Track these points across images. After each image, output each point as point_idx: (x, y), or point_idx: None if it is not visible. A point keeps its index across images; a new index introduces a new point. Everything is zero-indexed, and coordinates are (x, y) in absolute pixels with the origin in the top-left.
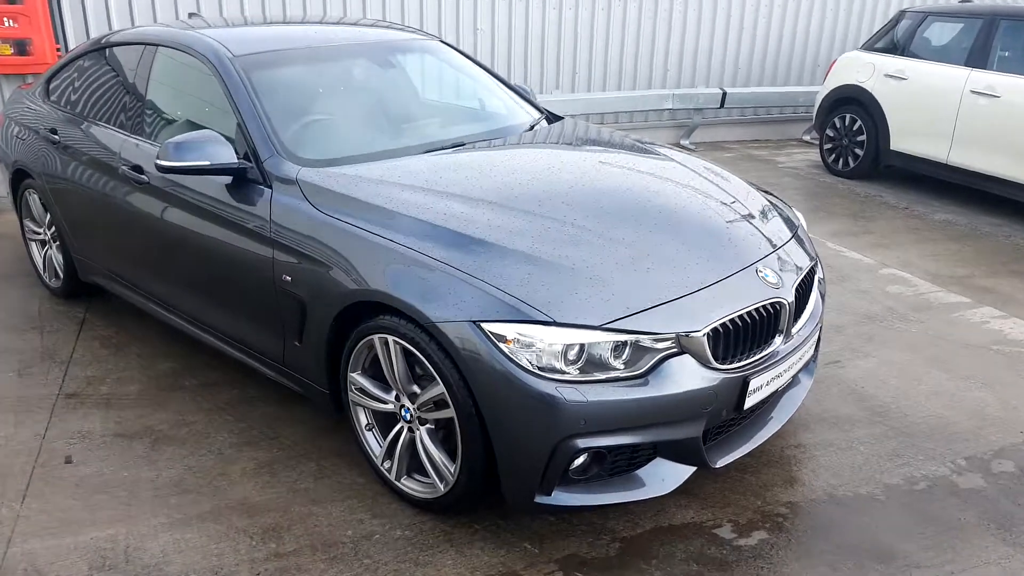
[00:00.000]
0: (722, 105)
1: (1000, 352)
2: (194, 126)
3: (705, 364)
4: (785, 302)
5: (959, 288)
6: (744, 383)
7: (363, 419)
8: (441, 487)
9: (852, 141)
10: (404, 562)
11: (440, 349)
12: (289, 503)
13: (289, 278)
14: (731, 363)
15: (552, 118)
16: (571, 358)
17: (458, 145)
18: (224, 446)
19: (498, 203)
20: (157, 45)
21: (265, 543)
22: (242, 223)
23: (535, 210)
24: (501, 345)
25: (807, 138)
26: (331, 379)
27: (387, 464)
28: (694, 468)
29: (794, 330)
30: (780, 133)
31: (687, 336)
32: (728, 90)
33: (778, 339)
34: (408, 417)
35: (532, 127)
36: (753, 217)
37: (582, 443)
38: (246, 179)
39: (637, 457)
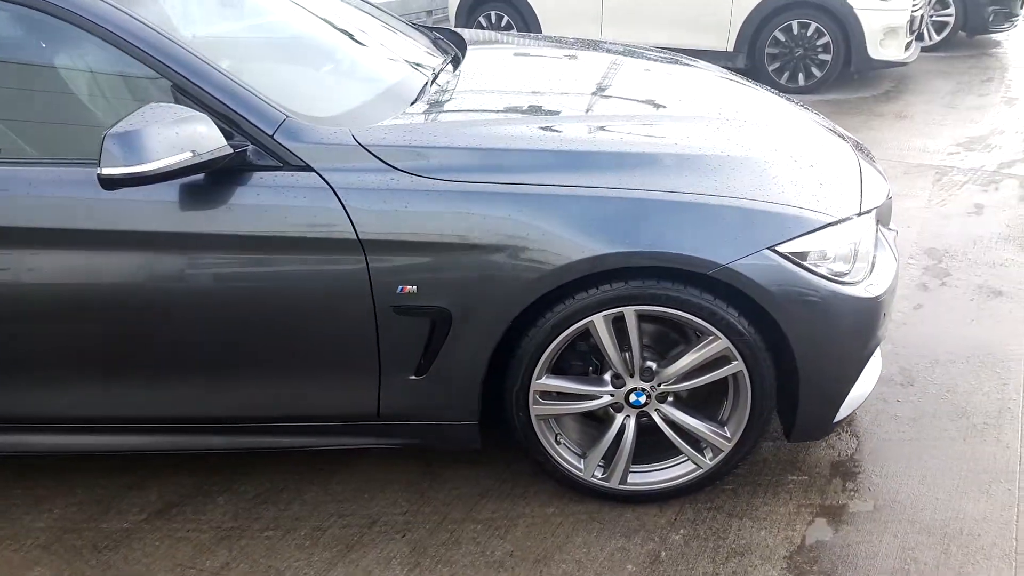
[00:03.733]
0: None
1: None
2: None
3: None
4: None
5: None
6: None
7: (550, 434)
8: (707, 461)
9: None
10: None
11: (719, 298)
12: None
13: (413, 288)
14: None
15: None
16: (850, 256)
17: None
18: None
19: (615, 115)
20: None
21: None
22: (267, 234)
23: (661, 114)
24: (805, 263)
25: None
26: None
27: (600, 473)
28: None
29: None
30: None
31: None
32: None
33: None
34: (642, 400)
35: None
36: None
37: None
38: (234, 171)
39: None
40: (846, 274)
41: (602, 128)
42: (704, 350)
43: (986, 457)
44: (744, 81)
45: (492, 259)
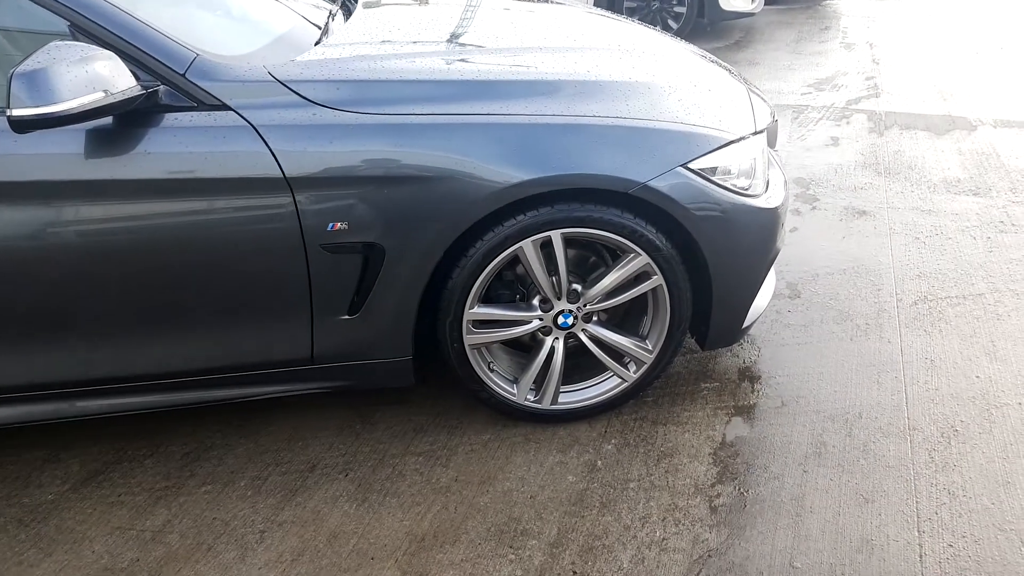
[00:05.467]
0: None
1: None
2: None
3: None
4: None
5: None
6: None
7: (483, 363)
8: (631, 374)
9: None
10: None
11: (639, 216)
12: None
13: (344, 224)
14: None
15: None
16: (750, 172)
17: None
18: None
19: (522, 47)
20: None
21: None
22: (187, 177)
23: (565, 45)
24: (714, 179)
25: None
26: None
27: (532, 396)
28: None
29: None
30: None
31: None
32: None
33: None
34: (570, 322)
35: None
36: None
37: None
38: (145, 112)
39: None
40: (748, 188)
41: (513, 60)
42: (626, 267)
43: (872, 352)
44: (623, 19)
45: (420, 191)
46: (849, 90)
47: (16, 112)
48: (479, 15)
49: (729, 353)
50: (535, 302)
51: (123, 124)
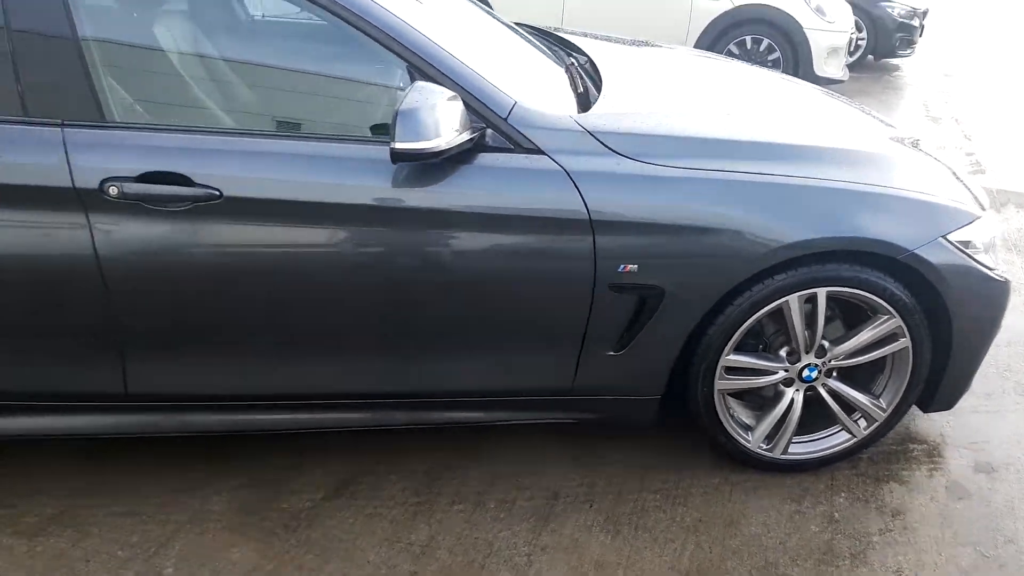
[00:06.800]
0: None
1: None
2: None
3: None
4: None
5: None
6: None
7: (725, 407)
8: (861, 430)
9: None
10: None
11: (898, 280)
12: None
13: (634, 267)
14: None
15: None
16: (990, 246)
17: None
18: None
19: (771, 112)
20: None
21: None
22: (499, 212)
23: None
24: (967, 251)
25: None
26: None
27: (765, 444)
28: None
29: None
30: None
31: None
32: None
33: None
34: (813, 375)
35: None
36: None
37: None
38: (469, 152)
39: None
40: (989, 262)
41: (775, 124)
42: (879, 328)
43: None
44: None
45: (705, 241)
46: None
47: (399, 145)
48: (717, 78)
49: (924, 418)
50: (781, 353)
51: (448, 159)
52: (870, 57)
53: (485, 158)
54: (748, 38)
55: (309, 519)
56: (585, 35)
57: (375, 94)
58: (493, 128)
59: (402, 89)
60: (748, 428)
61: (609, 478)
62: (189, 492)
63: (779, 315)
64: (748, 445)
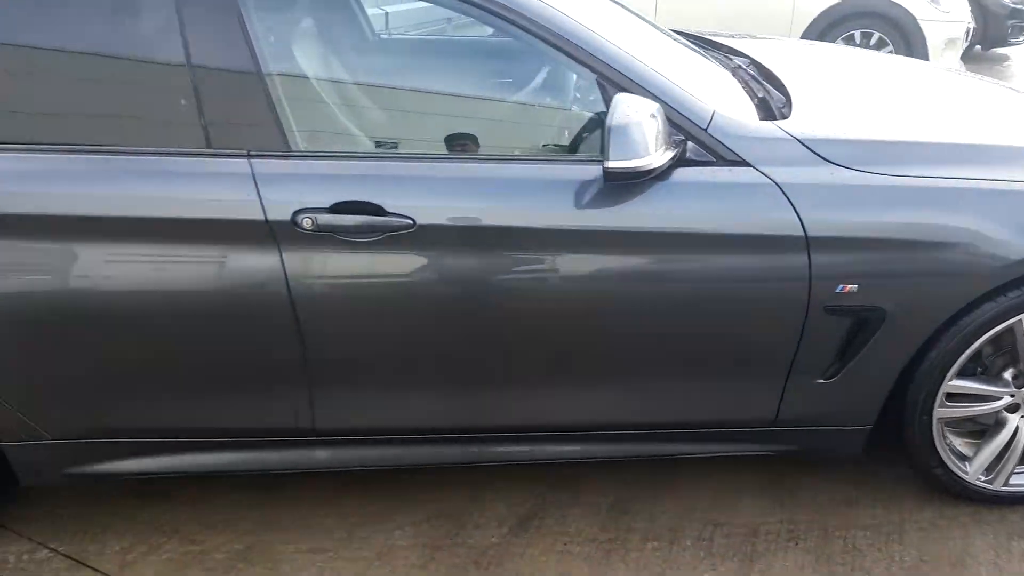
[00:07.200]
0: None
1: None
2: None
3: None
4: None
5: None
6: None
7: (942, 436)
8: None
9: None
10: None
11: None
12: None
13: (854, 287)
14: None
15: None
16: None
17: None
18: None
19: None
20: None
21: None
22: (711, 233)
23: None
24: None
25: None
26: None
27: (984, 476)
28: None
29: None
30: None
31: None
32: None
33: None
34: None
35: None
36: None
37: None
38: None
39: None
40: None
41: (983, 123)
42: None
43: None
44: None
45: (937, 256)
46: None
47: (613, 164)
48: (887, 74)
49: None
50: (1006, 376)
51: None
52: (978, 47)
53: (685, 172)
54: (857, 32)
55: (499, 556)
56: (716, 33)
57: (559, 109)
58: (693, 140)
59: (582, 103)
60: (965, 458)
61: (809, 513)
62: (372, 526)
63: (1003, 336)
64: (966, 476)
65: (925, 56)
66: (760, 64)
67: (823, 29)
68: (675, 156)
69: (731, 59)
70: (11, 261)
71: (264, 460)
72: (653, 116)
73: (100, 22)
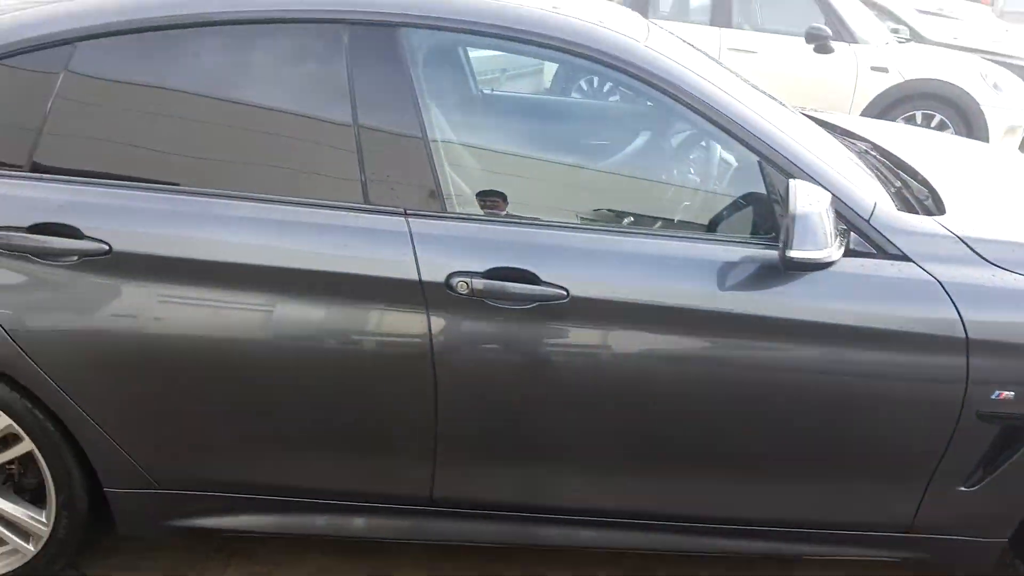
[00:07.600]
0: None
1: None
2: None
3: None
4: None
5: None
6: None
7: None
8: None
9: None
10: None
11: None
12: None
13: (1010, 394)
14: None
15: None
16: None
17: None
18: None
19: None
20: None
21: None
22: (869, 328)
23: None
24: None
25: None
26: None
27: None
28: None
29: None
30: None
31: None
32: None
33: None
34: None
35: None
36: None
37: None
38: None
39: None
40: None
41: None
42: None
43: None
44: None
45: None
46: None
47: (797, 254)
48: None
49: None
50: None
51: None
52: None
53: (850, 264)
54: (919, 113)
55: None
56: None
57: (714, 189)
58: (856, 231)
59: (735, 183)
60: None
61: None
62: None
63: None
64: None
65: (986, 141)
66: (885, 150)
67: (885, 107)
68: (843, 248)
69: (855, 143)
70: (144, 304)
71: (380, 527)
72: (832, 207)
73: (272, 78)
